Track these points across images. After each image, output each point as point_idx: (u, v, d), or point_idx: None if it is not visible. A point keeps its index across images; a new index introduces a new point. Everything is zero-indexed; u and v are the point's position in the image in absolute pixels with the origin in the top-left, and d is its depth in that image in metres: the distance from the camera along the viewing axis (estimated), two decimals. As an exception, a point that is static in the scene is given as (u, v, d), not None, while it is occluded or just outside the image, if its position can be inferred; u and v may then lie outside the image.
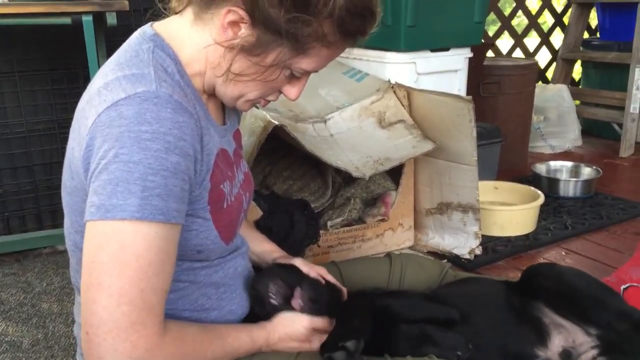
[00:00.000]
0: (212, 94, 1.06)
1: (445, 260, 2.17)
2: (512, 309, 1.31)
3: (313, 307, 1.19)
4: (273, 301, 1.18)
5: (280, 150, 2.18)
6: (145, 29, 1.02)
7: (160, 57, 0.96)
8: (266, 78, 1.00)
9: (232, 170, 1.10)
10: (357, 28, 0.98)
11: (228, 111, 1.15)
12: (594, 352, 1.23)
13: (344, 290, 1.33)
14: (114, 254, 0.85)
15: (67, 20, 1.99)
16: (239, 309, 1.15)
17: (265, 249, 1.40)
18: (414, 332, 1.18)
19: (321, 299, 1.23)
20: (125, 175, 0.84)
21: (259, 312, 1.18)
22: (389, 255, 1.62)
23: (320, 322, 1.16)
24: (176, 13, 1.03)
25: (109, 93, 0.90)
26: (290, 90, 1.06)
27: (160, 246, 0.87)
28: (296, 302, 1.19)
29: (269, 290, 1.19)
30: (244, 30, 0.95)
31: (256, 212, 1.93)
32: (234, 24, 0.95)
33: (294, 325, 1.13)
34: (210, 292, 1.09)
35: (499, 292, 1.37)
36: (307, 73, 1.04)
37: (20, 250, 2.46)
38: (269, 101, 1.10)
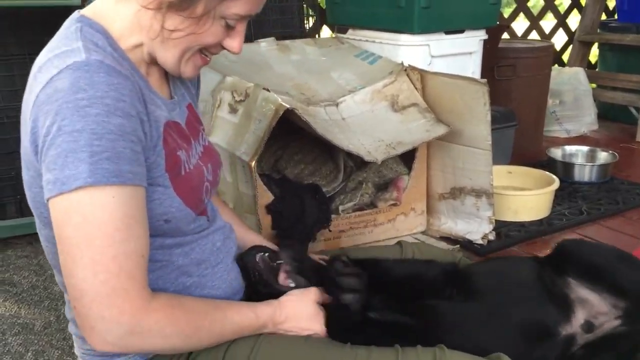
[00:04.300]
0: (153, 65, 1.05)
1: (458, 247, 2.16)
2: (542, 286, 1.31)
3: (299, 267, 1.25)
4: (260, 267, 1.24)
5: (291, 134, 2.16)
6: (72, 15, 1.03)
7: (89, 33, 0.97)
8: (201, 29, 0.99)
9: (188, 142, 1.10)
10: None
11: (174, 85, 1.14)
12: (617, 322, 1.24)
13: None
14: (78, 226, 0.86)
15: (76, 0, 1.97)
16: (222, 283, 1.15)
17: (250, 238, 1.40)
18: None
19: (303, 260, 1.30)
20: (72, 146, 0.85)
21: (252, 283, 1.24)
22: (399, 243, 1.61)
23: (323, 295, 1.19)
24: None
25: (43, 74, 0.91)
26: (231, 43, 1.05)
27: (124, 211, 0.88)
28: (284, 267, 1.26)
29: (256, 260, 1.25)
30: None
31: (267, 197, 1.91)
32: None
33: (304, 300, 1.15)
34: (191, 270, 1.09)
35: (529, 269, 1.37)
36: (242, 19, 1.03)
37: (33, 233, 2.46)
38: (209, 59, 1.09)
